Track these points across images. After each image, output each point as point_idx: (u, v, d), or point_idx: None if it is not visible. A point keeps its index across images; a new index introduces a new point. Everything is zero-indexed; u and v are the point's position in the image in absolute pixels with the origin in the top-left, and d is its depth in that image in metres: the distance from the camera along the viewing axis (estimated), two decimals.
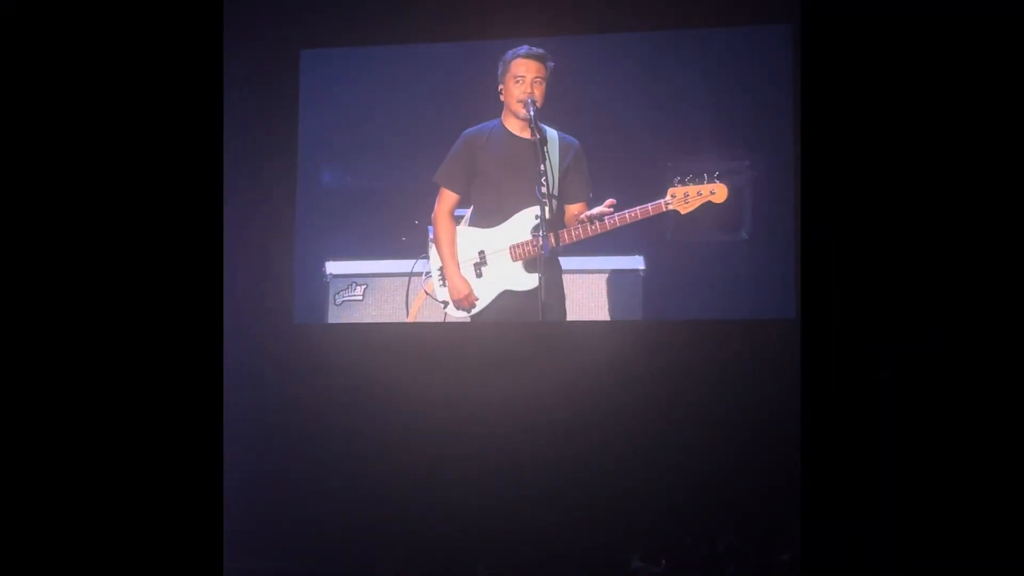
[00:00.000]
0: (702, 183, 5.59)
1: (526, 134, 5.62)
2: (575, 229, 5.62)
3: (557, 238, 5.62)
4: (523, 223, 5.72)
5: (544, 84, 5.62)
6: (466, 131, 5.83)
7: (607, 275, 6.15)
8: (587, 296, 6.13)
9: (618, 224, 5.61)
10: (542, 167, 5.43)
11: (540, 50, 5.65)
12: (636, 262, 6.13)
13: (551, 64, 5.64)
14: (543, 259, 5.48)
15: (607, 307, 6.15)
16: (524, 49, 5.66)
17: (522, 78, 5.63)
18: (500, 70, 5.71)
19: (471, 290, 5.79)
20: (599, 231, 5.62)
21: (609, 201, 5.59)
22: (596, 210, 5.57)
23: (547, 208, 5.45)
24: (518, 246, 5.73)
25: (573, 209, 5.75)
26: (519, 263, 5.73)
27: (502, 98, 5.72)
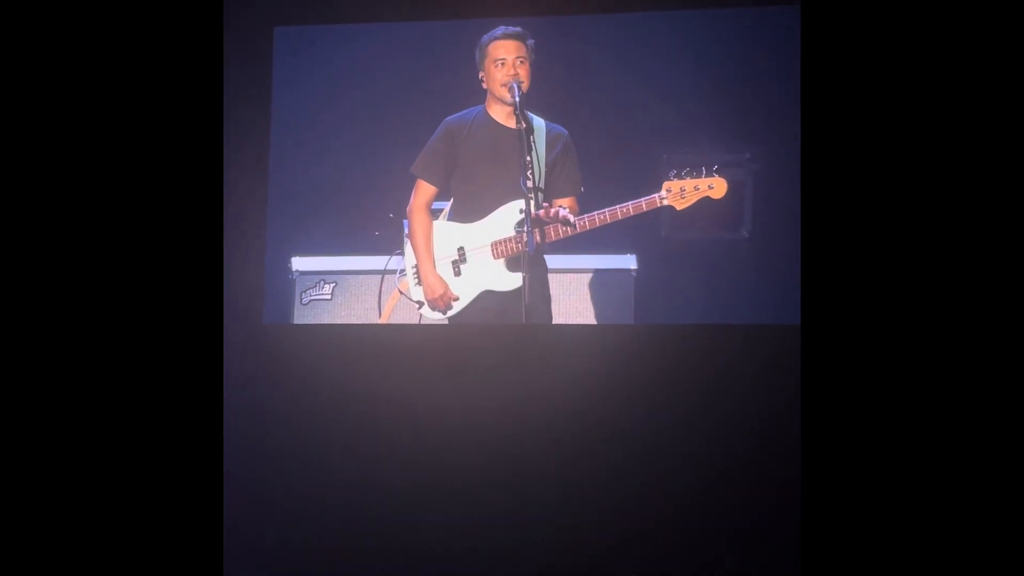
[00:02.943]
0: (700, 177, 5.43)
1: (511, 122, 5.44)
2: (562, 226, 5.49)
3: (543, 235, 5.45)
4: (506, 218, 5.54)
5: (528, 63, 5.48)
6: (447, 119, 5.67)
7: (596, 275, 6.10)
8: (574, 297, 6.08)
9: (608, 220, 5.41)
10: (528, 158, 5.29)
11: (517, 28, 5.52)
12: (628, 261, 6.10)
13: (531, 42, 5.51)
14: (528, 257, 5.30)
15: (596, 310, 6.08)
16: (500, 30, 5.52)
17: (503, 60, 5.47)
18: (478, 57, 5.57)
19: (447, 289, 5.61)
20: (588, 227, 5.44)
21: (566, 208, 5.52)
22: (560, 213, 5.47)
23: (533, 202, 5.31)
24: (501, 243, 5.55)
25: (561, 204, 5.58)
26: (501, 261, 5.57)
27: (484, 86, 5.58)
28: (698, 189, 5.42)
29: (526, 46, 5.48)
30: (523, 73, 5.44)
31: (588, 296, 6.06)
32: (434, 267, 5.60)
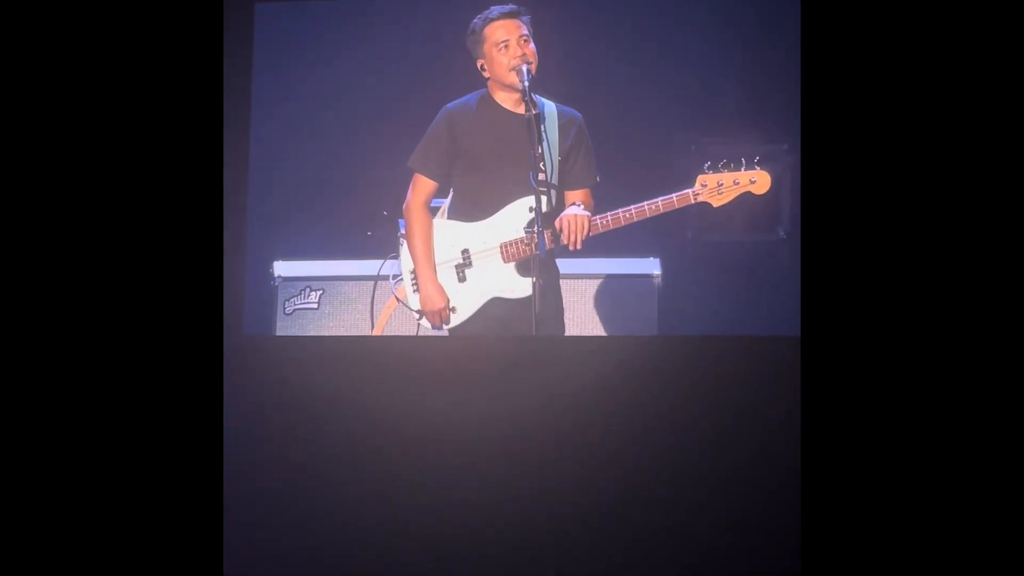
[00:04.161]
0: (739, 169, 5.25)
1: (520, 108, 5.25)
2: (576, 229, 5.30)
3: (556, 236, 5.22)
4: (516, 216, 5.29)
5: (531, 40, 5.32)
6: (447, 106, 5.44)
7: (614, 281, 6.11)
8: (590, 306, 6.05)
9: (635, 218, 5.19)
10: (539, 150, 5.10)
11: (511, 6, 5.39)
12: (650, 265, 6.08)
13: (528, 18, 5.37)
14: (538, 261, 5.11)
15: (614, 320, 6.04)
16: (495, 11, 5.37)
17: (505, 42, 5.29)
18: (471, 43, 5.39)
19: (446, 303, 5.39)
20: (611, 226, 5.22)
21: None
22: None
23: (544, 199, 5.13)
24: (511, 244, 5.30)
25: (575, 196, 5.38)
26: (512, 265, 5.32)
27: (486, 74, 5.37)
28: (738, 183, 5.24)
29: (525, 23, 5.36)
30: (530, 53, 5.31)
31: (605, 305, 5.99)
32: (435, 274, 5.40)
